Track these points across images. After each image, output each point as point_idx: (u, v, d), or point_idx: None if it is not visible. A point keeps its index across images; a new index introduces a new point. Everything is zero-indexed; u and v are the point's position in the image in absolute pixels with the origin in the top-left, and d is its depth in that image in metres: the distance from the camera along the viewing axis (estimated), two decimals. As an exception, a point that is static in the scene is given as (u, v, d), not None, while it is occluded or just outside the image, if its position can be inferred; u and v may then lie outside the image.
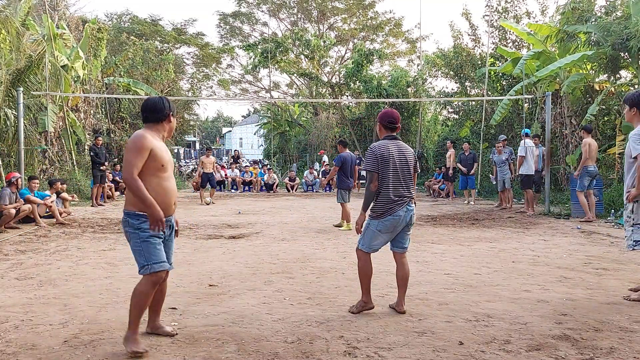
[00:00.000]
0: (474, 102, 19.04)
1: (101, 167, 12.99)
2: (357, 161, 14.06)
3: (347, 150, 9.57)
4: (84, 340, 3.42)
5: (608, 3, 13.68)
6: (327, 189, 18.88)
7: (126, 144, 2.80)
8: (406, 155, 4.08)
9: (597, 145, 10.27)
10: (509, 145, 13.80)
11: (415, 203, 4.12)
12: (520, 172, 11.11)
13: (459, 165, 13.99)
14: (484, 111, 16.79)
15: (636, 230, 4.40)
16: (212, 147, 53.56)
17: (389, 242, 4.11)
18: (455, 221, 9.98)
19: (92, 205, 12.66)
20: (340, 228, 9.02)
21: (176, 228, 3.56)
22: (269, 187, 19.08)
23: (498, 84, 18.07)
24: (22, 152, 11.55)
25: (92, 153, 13.06)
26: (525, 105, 16.19)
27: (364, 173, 16.27)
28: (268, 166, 22.31)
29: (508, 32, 17.77)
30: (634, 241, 4.42)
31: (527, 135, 11.34)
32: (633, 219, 4.44)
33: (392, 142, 4.07)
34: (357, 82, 22.15)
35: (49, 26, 14.86)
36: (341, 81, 24.56)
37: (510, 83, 16.89)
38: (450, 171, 14.95)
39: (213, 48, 30.84)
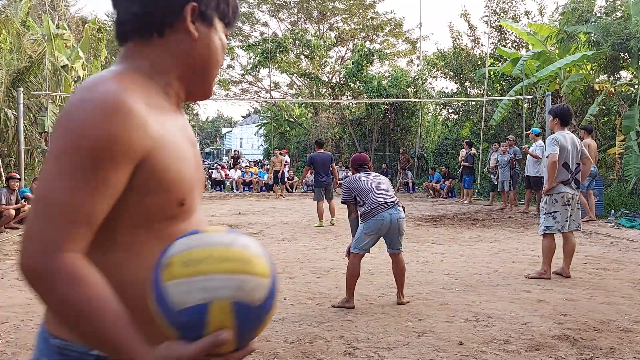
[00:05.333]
0: (473, 103, 19.05)
1: None
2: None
3: (322, 150, 9.71)
4: (84, 340, 3.41)
5: (608, 3, 13.69)
6: (305, 188, 18.96)
7: (56, 131, 0.89)
8: (379, 178, 4.46)
9: (596, 145, 10.25)
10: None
11: (403, 208, 4.32)
12: (534, 174, 10.83)
13: (464, 164, 14.10)
14: (483, 111, 16.79)
15: (546, 218, 5.18)
16: (211, 146, 53.80)
17: (385, 245, 4.34)
18: (455, 221, 9.98)
19: None
20: (314, 224, 9.38)
21: None
22: (269, 187, 19.08)
23: (498, 84, 18.08)
24: (22, 152, 11.56)
25: None
26: (525, 105, 16.19)
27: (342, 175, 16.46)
28: (268, 166, 22.33)
29: (507, 33, 17.78)
30: (545, 227, 5.19)
31: (538, 135, 11.18)
32: (545, 209, 5.21)
33: (363, 174, 4.47)
34: (357, 82, 22.15)
35: (49, 26, 14.87)
36: (341, 81, 24.56)
37: (510, 83, 16.89)
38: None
39: (213, 48, 30.80)
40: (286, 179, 19.16)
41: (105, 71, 0.96)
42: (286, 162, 21.95)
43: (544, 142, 11.22)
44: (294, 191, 18.93)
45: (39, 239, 0.83)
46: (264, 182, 19.36)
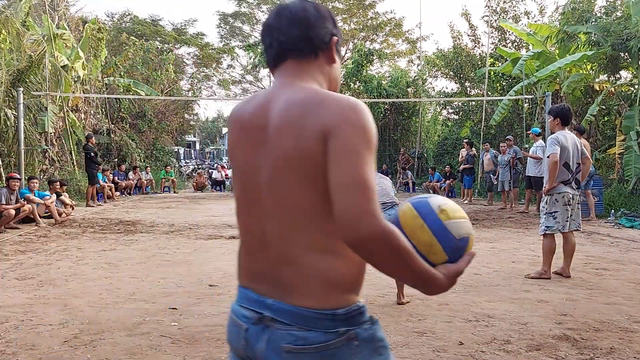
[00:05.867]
0: (473, 103, 19.05)
1: (98, 167, 13.17)
2: None
3: None
4: (84, 340, 3.42)
5: (608, 3, 13.69)
6: None
7: (349, 130, 1.11)
8: (380, 179, 4.52)
9: (589, 145, 10.23)
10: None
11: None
12: (535, 174, 10.77)
13: (463, 166, 14.13)
14: (484, 111, 16.80)
15: (547, 218, 5.18)
16: (211, 146, 53.81)
17: None
18: (455, 221, 9.96)
19: (87, 206, 12.62)
20: None
21: None
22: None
23: (498, 84, 18.09)
24: (22, 152, 11.56)
25: (91, 153, 12.98)
26: (525, 105, 16.20)
27: None
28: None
29: (507, 33, 17.79)
30: (545, 226, 5.19)
31: (538, 135, 11.14)
32: (546, 209, 5.21)
33: None
34: (357, 82, 22.15)
35: (49, 26, 14.87)
36: (341, 81, 24.56)
37: (510, 83, 16.90)
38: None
39: (213, 48, 30.84)
40: None
41: (315, 87, 1.23)
42: None
43: (544, 142, 11.24)
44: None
45: (371, 212, 1.06)
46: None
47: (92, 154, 12.93)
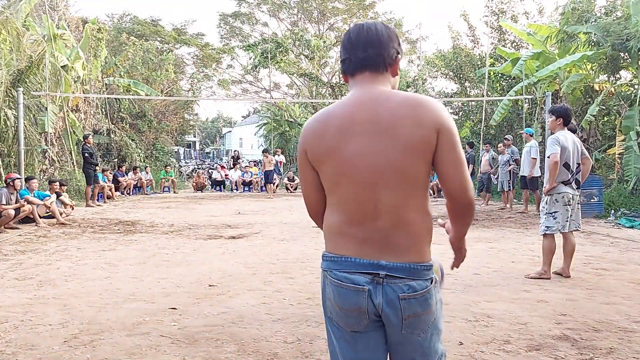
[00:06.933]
0: (473, 103, 19.05)
1: (96, 167, 13.11)
2: None
3: None
4: (84, 340, 3.42)
5: (608, 3, 13.69)
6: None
7: (452, 125, 1.54)
8: None
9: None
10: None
11: None
12: (529, 174, 10.78)
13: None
14: (483, 111, 16.79)
15: (547, 218, 5.20)
16: (211, 146, 53.84)
17: None
18: (455, 221, 9.95)
19: (87, 206, 12.60)
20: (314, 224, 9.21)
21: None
22: (268, 188, 19.05)
23: (498, 84, 18.08)
24: (22, 152, 11.56)
25: (86, 153, 12.88)
26: (525, 105, 16.19)
27: None
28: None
29: (507, 33, 17.80)
30: (545, 227, 5.22)
31: (531, 135, 11.17)
32: (546, 209, 5.23)
33: None
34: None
35: (49, 26, 14.87)
36: (341, 81, 24.56)
37: (510, 83, 16.89)
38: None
39: (213, 48, 30.83)
40: (281, 179, 19.18)
41: (397, 90, 1.62)
42: (280, 161, 22.03)
43: (538, 143, 11.28)
44: (293, 191, 18.91)
45: (470, 183, 1.54)
46: (263, 182, 19.33)
47: (88, 154, 12.79)
